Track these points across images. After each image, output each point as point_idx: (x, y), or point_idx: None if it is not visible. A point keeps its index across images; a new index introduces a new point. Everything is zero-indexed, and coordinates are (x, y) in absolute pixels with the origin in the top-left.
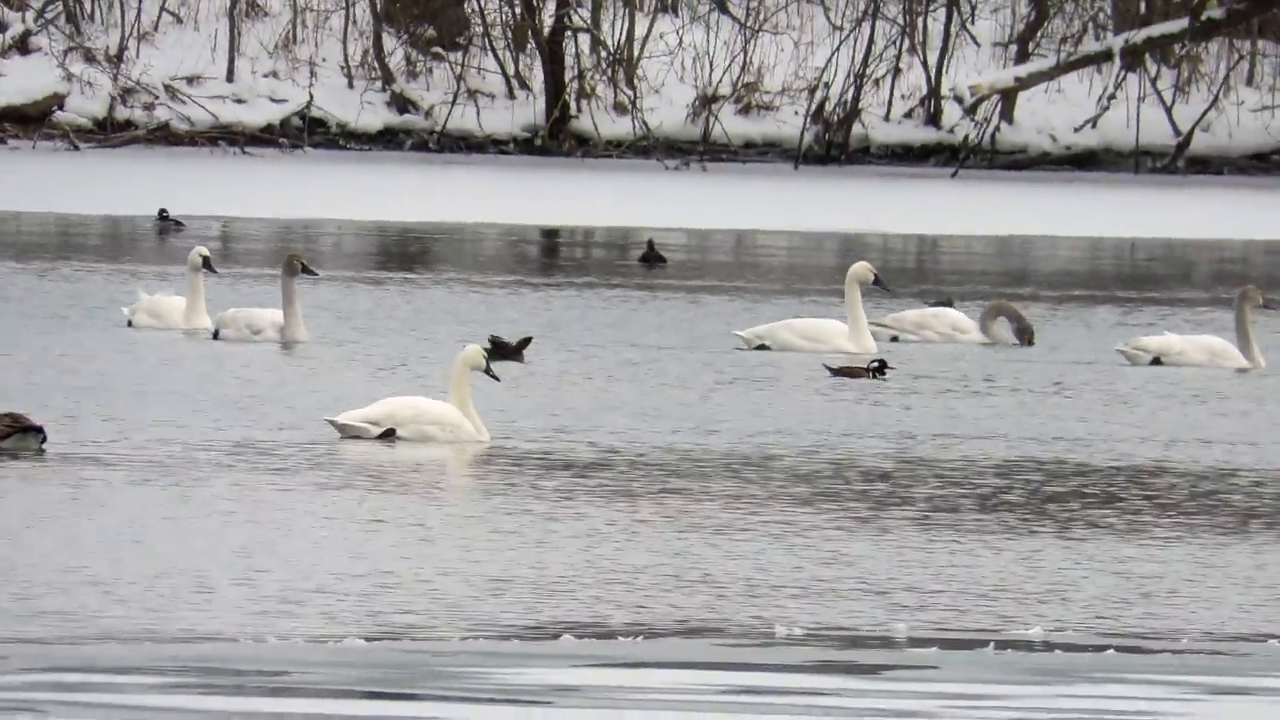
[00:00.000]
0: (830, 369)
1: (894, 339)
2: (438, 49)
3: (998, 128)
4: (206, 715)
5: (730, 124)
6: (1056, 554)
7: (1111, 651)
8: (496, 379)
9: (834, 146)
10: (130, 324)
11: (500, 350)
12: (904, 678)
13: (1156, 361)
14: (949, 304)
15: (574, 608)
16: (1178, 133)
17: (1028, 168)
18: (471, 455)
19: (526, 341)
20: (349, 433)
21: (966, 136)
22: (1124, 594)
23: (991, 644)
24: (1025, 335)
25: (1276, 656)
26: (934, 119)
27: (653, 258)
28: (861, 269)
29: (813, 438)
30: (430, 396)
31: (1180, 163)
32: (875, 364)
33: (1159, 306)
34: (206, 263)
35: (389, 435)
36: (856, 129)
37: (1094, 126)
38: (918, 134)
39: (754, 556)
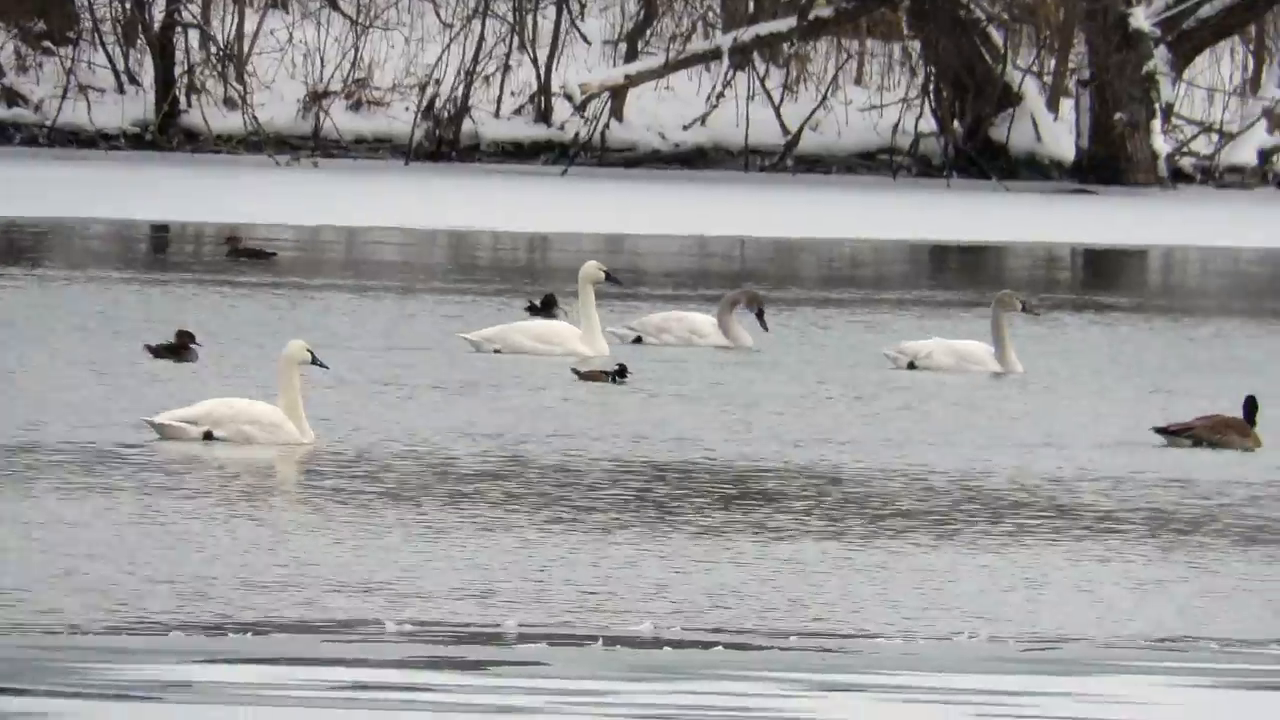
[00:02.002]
0: (577, 373)
1: (637, 340)
2: (47, 43)
3: (607, 125)
4: None
5: (341, 120)
6: (675, 552)
7: (720, 648)
8: (325, 368)
9: (444, 143)
10: None
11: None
12: (512, 674)
13: (912, 366)
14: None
15: (199, 606)
16: (786, 131)
17: (637, 165)
18: (276, 457)
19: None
20: (169, 434)
21: (576, 134)
22: (736, 591)
23: (600, 640)
24: (759, 311)
25: (883, 654)
26: (544, 116)
27: (245, 252)
28: (591, 269)
29: (490, 441)
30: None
31: (789, 161)
32: (616, 368)
33: (799, 305)
34: None
35: (209, 437)
36: (467, 126)
37: (703, 124)
38: (528, 131)
39: (368, 553)
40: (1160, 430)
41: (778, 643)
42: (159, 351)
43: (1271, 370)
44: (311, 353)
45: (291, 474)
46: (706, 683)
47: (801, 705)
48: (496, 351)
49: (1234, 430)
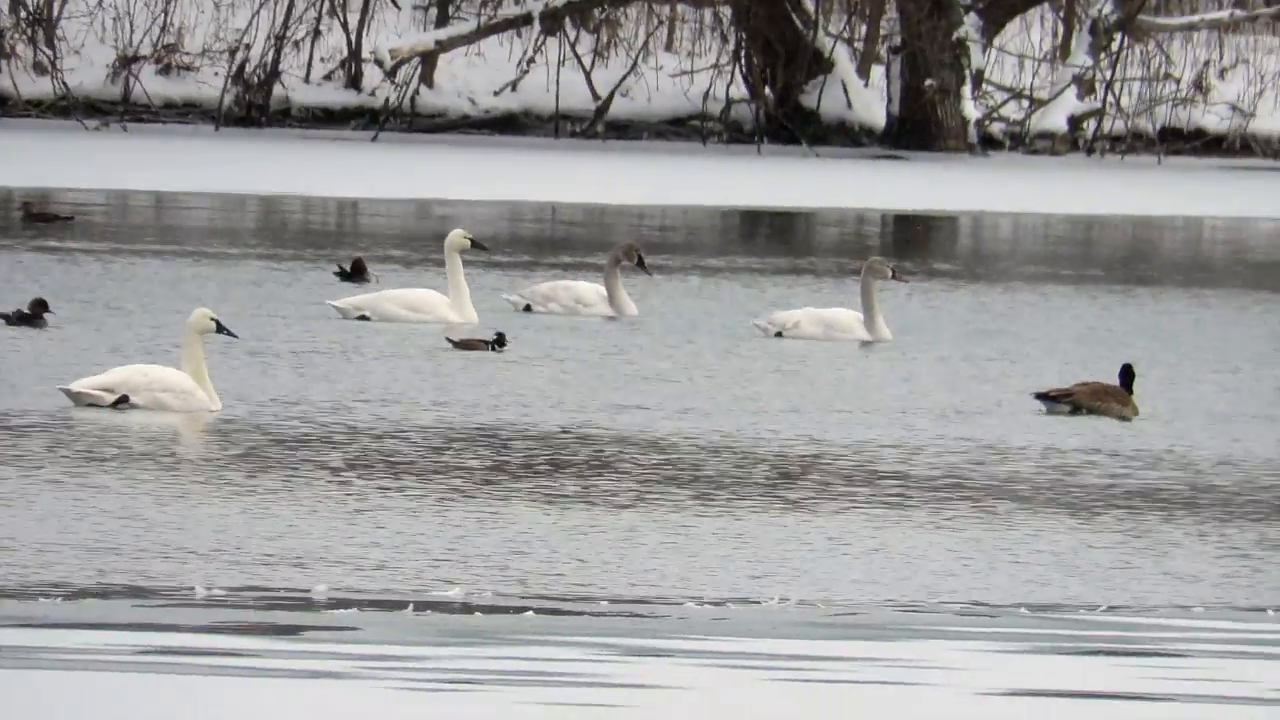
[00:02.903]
0: (451, 341)
1: (526, 308)
2: None
3: (417, 91)
4: None
5: (151, 85)
6: (497, 518)
7: (530, 613)
8: (234, 336)
9: (255, 108)
10: None
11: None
12: (323, 639)
13: (779, 335)
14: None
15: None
16: (597, 97)
17: (448, 131)
18: (184, 424)
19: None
20: (83, 400)
21: (387, 100)
22: (551, 557)
23: (411, 605)
24: (639, 260)
25: (693, 619)
26: (354, 82)
27: (40, 217)
28: (457, 237)
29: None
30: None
31: (599, 127)
32: (495, 336)
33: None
34: None
35: (123, 402)
36: (278, 91)
37: (514, 90)
38: (338, 97)
39: (194, 520)
40: (1041, 396)
41: (589, 608)
42: (11, 319)
43: (1132, 338)
44: (217, 321)
45: (179, 441)
46: (515, 648)
47: (611, 670)
48: (364, 318)
49: (1113, 398)
